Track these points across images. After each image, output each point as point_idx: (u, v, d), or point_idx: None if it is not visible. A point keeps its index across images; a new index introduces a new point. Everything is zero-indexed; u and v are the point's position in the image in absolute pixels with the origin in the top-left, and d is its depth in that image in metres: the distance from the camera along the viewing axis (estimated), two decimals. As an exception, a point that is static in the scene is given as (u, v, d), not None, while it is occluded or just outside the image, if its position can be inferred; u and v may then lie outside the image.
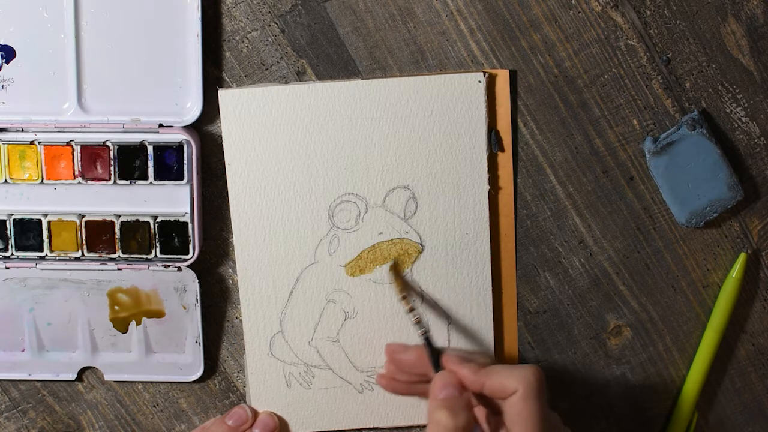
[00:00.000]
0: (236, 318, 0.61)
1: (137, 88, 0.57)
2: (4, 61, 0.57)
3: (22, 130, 0.58)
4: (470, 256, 0.60)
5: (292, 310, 0.60)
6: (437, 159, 0.59)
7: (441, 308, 0.60)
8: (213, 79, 0.58)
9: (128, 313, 0.60)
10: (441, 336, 0.61)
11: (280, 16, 0.58)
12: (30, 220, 0.58)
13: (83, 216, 0.58)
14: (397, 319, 0.60)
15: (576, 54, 0.59)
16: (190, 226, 0.58)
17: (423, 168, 0.59)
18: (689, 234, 0.61)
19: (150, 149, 0.57)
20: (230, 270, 0.61)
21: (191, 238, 0.58)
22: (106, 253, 0.58)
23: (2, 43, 0.57)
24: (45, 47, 0.57)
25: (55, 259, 0.59)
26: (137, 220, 0.58)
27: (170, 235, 0.58)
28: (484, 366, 0.52)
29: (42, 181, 0.58)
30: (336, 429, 0.62)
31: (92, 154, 0.57)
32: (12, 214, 0.58)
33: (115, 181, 0.57)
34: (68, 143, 0.57)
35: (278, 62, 0.59)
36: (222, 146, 0.59)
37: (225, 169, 0.59)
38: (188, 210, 0.58)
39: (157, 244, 0.58)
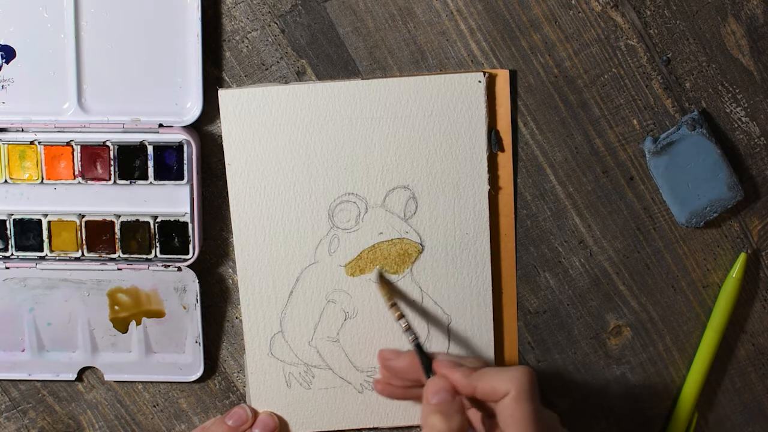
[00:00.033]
0: (236, 318, 0.61)
1: (137, 88, 0.57)
2: (4, 61, 0.57)
3: (22, 130, 0.58)
4: (470, 256, 0.60)
5: (292, 310, 0.60)
6: (437, 159, 0.59)
7: (441, 308, 0.60)
8: (213, 79, 0.58)
9: (128, 313, 0.60)
10: (441, 336, 0.61)
11: (280, 16, 0.58)
12: (30, 220, 0.58)
13: (83, 216, 0.58)
14: (397, 319, 0.60)
15: (576, 54, 0.59)
16: (190, 226, 0.58)
17: (423, 168, 0.59)
18: (689, 234, 0.61)
19: (150, 149, 0.57)
20: (230, 270, 0.61)
21: (191, 238, 0.58)
22: (106, 253, 0.58)
23: (2, 43, 0.57)
24: (45, 47, 0.57)
25: (55, 259, 0.59)
26: (137, 220, 0.58)
27: (170, 235, 0.58)
28: (475, 369, 0.52)
29: (42, 181, 0.58)
30: (336, 429, 0.62)
31: (92, 154, 0.57)
32: (12, 214, 0.58)
33: (115, 181, 0.57)
34: (68, 143, 0.57)
35: (278, 62, 0.59)
36: (222, 146, 0.59)
37: (225, 169, 0.59)
38: (188, 210, 0.58)
39: (157, 244, 0.58)
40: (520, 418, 0.49)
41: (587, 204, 0.61)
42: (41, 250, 0.58)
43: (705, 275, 0.62)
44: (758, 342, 0.63)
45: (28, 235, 0.58)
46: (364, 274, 0.60)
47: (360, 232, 0.59)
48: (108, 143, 0.57)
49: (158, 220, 0.58)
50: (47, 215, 0.58)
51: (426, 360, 0.54)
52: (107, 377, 0.61)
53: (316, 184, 0.59)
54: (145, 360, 0.61)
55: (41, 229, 0.58)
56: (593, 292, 0.62)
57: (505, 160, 0.60)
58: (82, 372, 0.62)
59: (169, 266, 0.59)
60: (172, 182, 0.57)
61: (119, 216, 0.58)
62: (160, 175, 0.57)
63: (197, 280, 0.59)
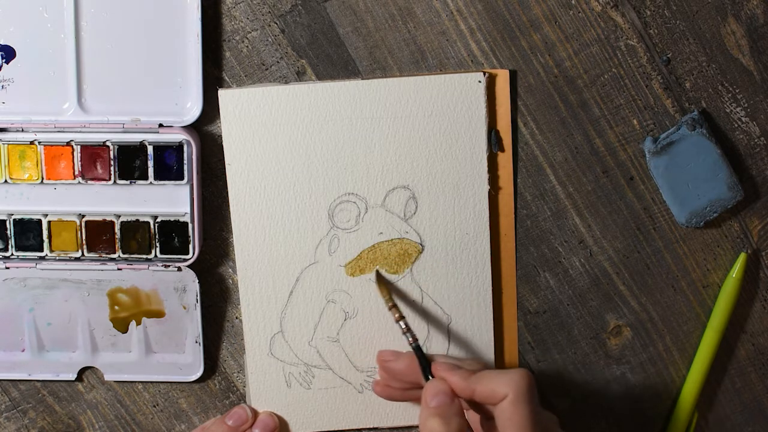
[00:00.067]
0: (236, 318, 0.61)
1: (137, 88, 0.57)
2: (4, 61, 0.57)
3: (22, 130, 0.58)
4: (470, 256, 0.60)
5: (292, 310, 0.60)
6: (437, 159, 0.59)
7: (441, 308, 0.60)
8: (213, 79, 0.58)
9: (128, 313, 0.60)
10: (441, 336, 0.61)
11: (280, 16, 0.58)
12: (30, 220, 0.58)
13: (83, 216, 0.58)
14: (397, 319, 0.60)
15: (576, 54, 0.59)
16: (190, 226, 0.58)
17: (423, 168, 0.59)
18: (689, 234, 0.61)
19: (150, 149, 0.57)
20: (230, 270, 0.61)
21: (191, 238, 0.58)
22: (106, 253, 0.58)
23: (2, 43, 0.57)
24: (45, 47, 0.57)
25: (55, 259, 0.59)
26: (137, 220, 0.58)
27: (170, 235, 0.58)
28: (474, 372, 0.52)
29: (42, 181, 0.58)
30: (336, 429, 0.62)
31: (92, 154, 0.57)
32: (12, 214, 0.58)
33: (115, 181, 0.57)
34: (68, 143, 0.57)
35: (278, 62, 0.59)
36: (222, 146, 0.59)
37: (225, 169, 0.59)
38: (188, 210, 0.58)
39: (157, 244, 0.58)
40: (518, 422, 0.49)
41: (587, 204, 0.61)
42: (41, 250, 0.58)
43: (705, 275, 0.62)
44: (758, 342, 0.63)
45: (28, 235, 0.58)
46: (364, 274, 0.60)
47: (360, 232, 0.59)
48: (108, 143, 0.57)
49: (158, 220, 0.58)
50: (47, 215, 0.58)
51: (425, 362, 0.54)
52: (107, 377, 0.61)
53: (316, 184, 0.59)
54: (145, 360, 0.61)
55: (41, 229, 0.58)
56: (593, 292, 0.62)
57: (505, 160, 0.60)
58: (82, 372, 0.62)
59: (169, 266, 0.59)
60: (172, 182, 0.57)
61: (119, 216, 0.58)
62: (160, 175, 0.57)
63: (197, 280, 0.59)
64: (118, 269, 0.59)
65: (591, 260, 0.61)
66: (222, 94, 0.58)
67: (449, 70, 0.59)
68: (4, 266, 0.59)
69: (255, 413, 0.61)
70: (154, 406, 0.63)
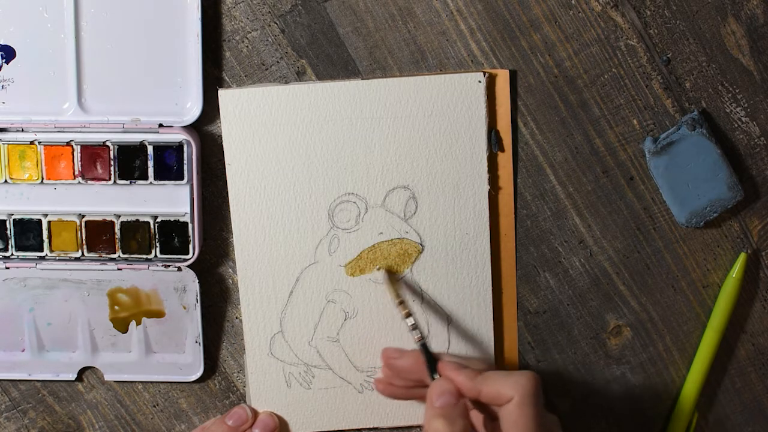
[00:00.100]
0: (236, 318, 0.61)
1: (137, 88, 0.57)
2: (4, 61, 0.57)
3: (22, 130, 0.58)
4: (470, 256, 0.60)
5: (292, 310, 0.60)
6: (437, 159, 0.59)
7: (441, 308, 0.60)
8: (213, 79, 0.58)
9: (128, 313, 0.60)
10: (441, 336, 0.61)
11: (280, 16, 0.58)
12: (30, 220, 0.58)
13: (83, 216, 0.58)
14: (397, 319, 0.60)
15: (576, 54, 0.59)
16: (190, 226, 0.58)
17: (423, 168, 0.59)
18: (689, 234, 0.61)
19: (150, 149, 0.57)
20: (230, 270, 0.61)
21: (191, 238, 0.58)
22: (106, 253, 0.58)
23: (2, 43, 0.57)
24: (45, 47, 0.57)
25: (55, 259, 0.59)
26: (137, 220, 0.58)
27: (170, 235, 0.58)
28: (480, 372, 0.52)
29: (42, 181, 0.58)
30: (336, 429, 0.62)
31: (92, 154, 0.57)
32: (12, 214, 0.58)
33: (115, 181, 0.57)
34: (68, 143, 0.57)
35: (278, 62, 0.59)
36: (222, 146, 0.59)
37: (225, 169, 0.59)
38: (188, 210, 0.58)
39: (157, 244, 0.58)
40: (523, 425, 0.49)
41: (587, 204, 0.61)
42: (41, 250, 0.58)
43: (705, 275, 0.62)
44: (758, 342, 0.63)
45: (28, 235, 0.58)
46: (364, 274, 0.60)
47: (360, 232, 0.59)
48: (108, 143, 0.57)
49: (158, 220, 0.58)
50: (47, 215, 0.58)
51: (431, 361, 0.54)
52: (107, 377, 0.61)
53: (316, 184, 0.59)
54: (145, 360, 0.61)
55: (41, 229, 0.58)
56: (593, 292, 0.62)
57: (505, 160, 0.60)
58: (82, 372, 0.62)
59: (169, 266, 0.59)
60: (172, 182, 0.57)
61: (119, 216, 0.58)
62: (160, 175, 0.57)
63: (197, 280, 0.59)
64: (118, 269, 0.59)
65: (591, 260, 0.61)
66: (222, 94, 0.58)
67: (449, 70, 0.59)
68: (4, 266, 0.59)
69: (255, 413, 0.61)
70: (154, 406, 0.63)
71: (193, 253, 0.58)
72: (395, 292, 0.57)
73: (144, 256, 0.58)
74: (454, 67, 0.59)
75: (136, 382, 0.62)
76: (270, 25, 0.58)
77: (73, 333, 0.61)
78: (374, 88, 0.58)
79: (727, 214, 0.61)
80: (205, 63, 0.57)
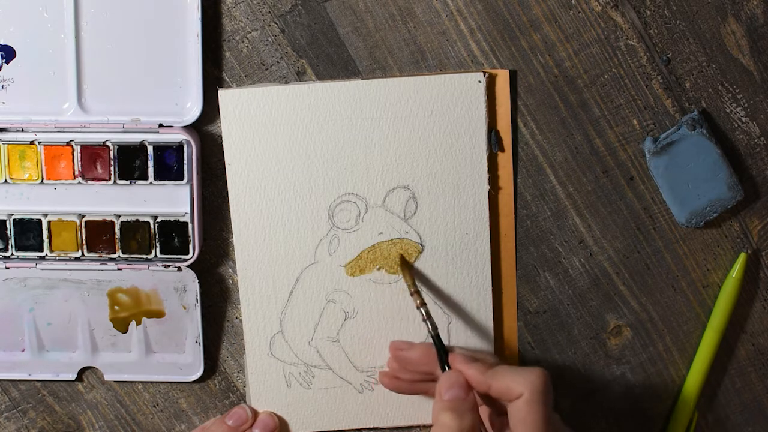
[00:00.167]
0: (236, 318, 0.61)
1: (137, 88, 0.57)
2: (4, 61, 0.57)
3: (22, 130, 0.58)
4: (470, 256, 0.60)
5: (292, 310, 0.60)
6: (437, 159, 0.59)
7: (441, 308, 0.60)
8: (213, 79, 0.58)
9: (128, 313, 0.60)
10: (441, 336, 0.60)
11: (280, 16, 0.58)
12: (30, 220, 0.58)
13: (83, 216, 0.58)
14: (398, 319, 0.60)
15: (576, 54, 0.59)
16: (190, 226, 0.58)
17: (423, 168, 0.59)
18: (689, 234, 0.61)
19: (150, 149, 0.57)
20: (230, 270, 0.61)
21: (191, 238, 0.58)
22: (106, 253, 0.58)
23: (2, 43, 0.57)
24: (45, 47, 0.57)
25: (55, 259, 0.59)
26: (137, 220, 0.58)
27: (170, 235, 0.58)
28: (491, 366, 0.52)
29: (42, 181, 0.58)
30: (336, 429, 0.62)
31: (92, 154, 0.57)
32: (12, 214, 0.58)
33: (115, 181, 0.57)
34: (68, 143, 0.57)
35: (278, 62, 0.59)
36: (222, 146, 0.59)
37: (225, 169, 0.59)
38: (188, 210, 0.58)
39: (157, 244, 0.58)
40: (531, 422, 0.49)
41: (587, 204, 0.61)
42: (41, 250, 0.58)
43: (705, 275, 0.62)
44: (758, 342, 0.63)
45: (28, 235, 0.58)
46: (364, 274, 0.60)
47: (360, 232, 0.59)
48: (108, 143, 0.57)
49: (158, 220, 0.58)
50: (47, 215, 0.58)
51: (443, 352, 0.54)
52: (107, 377, 0.61)
53: (316, 184, 0.59)
54: (145, 360, 0.61)
55: (41, 229, 0.58)
56: (593, 292, 0.62)
57: (505, 160, 0.60)
58: (82, 372, 0.62)
59: (169, 266, 0.59)
60: (172, 182, 0.57)
61: (119, 216, 0.58)
62: (160, 175, 0.57)
63: (197, 280, 0.59)
64: (118, 269, 0.59)
65: (591, 260, 0.61)
66: (222, 94, 0.58)
67: (449, 70, 0.59)
68: (4, 266, 0.59)
69: (255, 413, 0.61)
70: (154, 406, 0.63)
71: (193, 253, 0.58)
72: (411, 279, 0.57)
73: (144, 256, 0.58)
74: (454, 67, 0.59)
75: (136, 382, 0.62)
76: (270, 25, 0.58)
77: (73, 333, 0.61)
78: (374, 88, 0.58)
79: (727, 214, 0.61)
80: (205, 63, 0.57)
